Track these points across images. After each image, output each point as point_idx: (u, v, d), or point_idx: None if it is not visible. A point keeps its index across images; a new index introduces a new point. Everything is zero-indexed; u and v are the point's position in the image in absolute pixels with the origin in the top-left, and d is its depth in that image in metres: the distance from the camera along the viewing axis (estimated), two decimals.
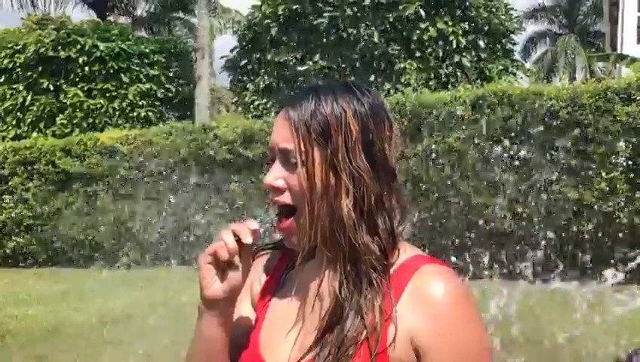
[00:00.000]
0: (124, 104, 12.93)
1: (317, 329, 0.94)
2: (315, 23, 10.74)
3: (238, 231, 0.94)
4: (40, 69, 12.83)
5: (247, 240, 0.93)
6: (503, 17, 11.29)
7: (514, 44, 12.07)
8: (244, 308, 1.06)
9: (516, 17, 12.35)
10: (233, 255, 0.94)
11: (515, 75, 11.67)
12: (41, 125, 12.79)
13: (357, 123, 0.93)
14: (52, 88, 12.78)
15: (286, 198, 0.96)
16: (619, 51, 15.23)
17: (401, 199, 0.99)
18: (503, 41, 11.50)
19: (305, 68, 10.77)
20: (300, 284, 1.00)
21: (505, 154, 6.66)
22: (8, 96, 13.02)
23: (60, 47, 12.78)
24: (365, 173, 0.92)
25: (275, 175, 0.96)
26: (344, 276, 0.93)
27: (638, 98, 6.45)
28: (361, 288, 0.92)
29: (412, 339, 0.90)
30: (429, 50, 10.56)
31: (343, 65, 10.77)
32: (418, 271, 0.93)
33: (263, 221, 1.00)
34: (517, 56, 13.23)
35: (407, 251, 0.97)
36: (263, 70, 11.70)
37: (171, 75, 13.72)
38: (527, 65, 17.87)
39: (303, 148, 0.92)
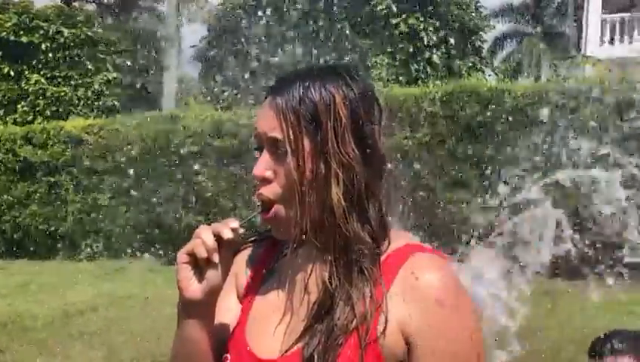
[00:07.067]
0: (89, 92, 12.66)
1: (306, 319, 0.91)
2: (286, 14, 10.68)
3: (217, 229, 0.90)
4: (0, 53, 12.46)
5: (228, 235, 0.90)
6: (474, 14, 11.43)
7: (483, 41, 12.25)
8: (230, 302, 1.02)
9: (485, 15, 12.53)
10: (212, 253, 0.90)
11: (483, 72, 11.84)
12: (1, 112, 12.44)
13: (346, 108, 0.90)
14: (13, 74, 12.44)
15: (270, 192, 0.92)
16: (582, 52, 15.55)
17: (391, 185, 0.96)
18: (473, 38, 11.65)
19: (275, 59, 10.70)
20: (288, 274, 0.97)
21: None
22: None
23: (21, 32, 12.43)
24: (355, 160, 0.90)
25: (264, 165, 0.92)
26: (334, 265, 0.91)
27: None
28: (351, 277, 0.90)
29: (402, 329, 0.88)
30: (400, 45, 10.62)
31: (315, 59, 10.74)
32: (409, 259, 0.91)
33: (241, 216, 0.96)
34: (485, 53, 13.41)
35: (398, 239, 0.94)
36: (232, 60, 11.58)
37: (138, 64, 13.47)
38: (495, 63, 18.12)
39: (292, 137, 0.89)
